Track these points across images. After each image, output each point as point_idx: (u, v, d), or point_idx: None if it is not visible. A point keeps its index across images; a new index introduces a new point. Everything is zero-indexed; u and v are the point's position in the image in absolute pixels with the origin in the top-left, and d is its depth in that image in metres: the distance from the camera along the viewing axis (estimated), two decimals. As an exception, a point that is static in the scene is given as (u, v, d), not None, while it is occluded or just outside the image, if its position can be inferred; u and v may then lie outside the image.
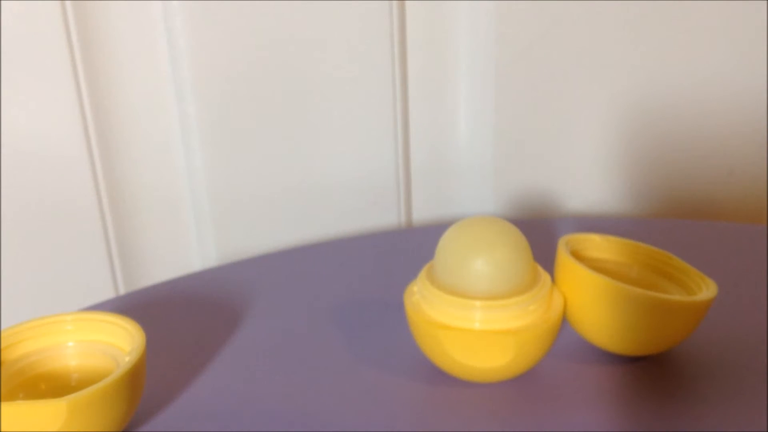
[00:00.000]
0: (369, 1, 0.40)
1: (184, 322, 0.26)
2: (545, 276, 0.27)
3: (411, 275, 0.28)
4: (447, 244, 0.26)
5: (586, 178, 0.46)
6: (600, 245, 0.30)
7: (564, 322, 0.27)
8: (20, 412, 0.21)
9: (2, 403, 0.21)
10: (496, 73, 0.43)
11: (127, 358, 0.23)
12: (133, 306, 0.34)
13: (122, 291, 0.41)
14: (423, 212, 0.48)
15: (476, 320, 0.25)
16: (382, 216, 0.45)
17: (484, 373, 0.26)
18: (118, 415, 0.23)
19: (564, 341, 0.29)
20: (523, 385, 0.26)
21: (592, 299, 0.26)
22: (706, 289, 0.26)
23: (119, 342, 0.25)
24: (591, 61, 0.43)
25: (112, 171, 0.39)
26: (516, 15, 0.42)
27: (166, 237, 0.42)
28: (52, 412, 0.21)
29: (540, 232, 0.39)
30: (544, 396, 0.26)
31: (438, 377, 0.27)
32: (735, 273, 0.34)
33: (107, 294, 0.40)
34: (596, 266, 0.27)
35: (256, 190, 0.42)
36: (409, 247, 0.40)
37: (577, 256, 0.29)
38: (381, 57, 0.42)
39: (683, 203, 0.46)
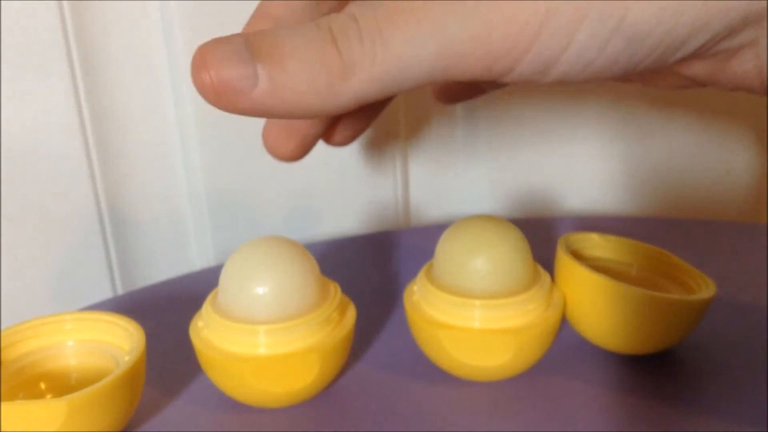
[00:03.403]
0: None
1: (184, 322, 0.26)
2: (545, 275, 0.27)
3: (411, 275, 0.28)
4: (447, 243, 0.26)
5: (586, 177, 0.46)
6: (599, 244, 0.30)
7: (564, 322, 0.27)
8: (20, 411, 0.21)
9: (2, 403, 0.21)
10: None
11: (126, 358, 0.23)
12: (132, 305, 0.34)
13: (120, 291, 0.41)
14: (422, 212, 0.47)
15: (476, 319, 0.25)
16: (381, 215, 0.45)
17: (484, 372, 0.26)
18: (118, 415, 0.23)
19: (564, 341, 0.29)
20: (523, 384, 0.26)
21: (591, 298, 0.26)
22: (706, 288, 0.26)
23: (119, 341, 0.25)
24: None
25: (110, 171, 0.39)
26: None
27: (164, 237, 0.42)
28: (51, 411, 0.21)
29: (540, 232, 0.39)
30: (544, 395, 0.26)
31: (438, 376, 0.27)
32: (735, 272, 0.34)
33: (105, 294, 0.40)
34: (596, 265, 0.27)
35: (254, 189, 0.42)
36: (409, 247, 0.40)
37: (576, 255, 0.29)
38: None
39: (683, 203, 0.46)
